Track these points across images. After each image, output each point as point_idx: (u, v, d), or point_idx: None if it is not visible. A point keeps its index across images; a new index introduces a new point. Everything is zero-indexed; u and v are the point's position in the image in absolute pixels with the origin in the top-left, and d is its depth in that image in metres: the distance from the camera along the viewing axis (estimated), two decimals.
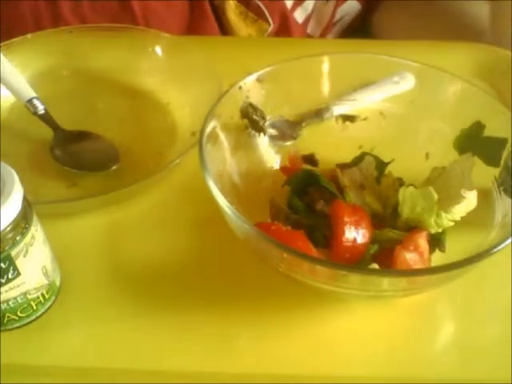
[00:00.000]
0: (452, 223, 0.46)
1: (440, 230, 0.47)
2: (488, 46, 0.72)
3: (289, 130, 0.56)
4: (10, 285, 0.42)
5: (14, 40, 0.66)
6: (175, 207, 0.54)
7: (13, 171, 0.41)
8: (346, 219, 0.46)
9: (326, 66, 0.55)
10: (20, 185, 0.41)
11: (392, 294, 0.45)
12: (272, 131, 0.55)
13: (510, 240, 0.40)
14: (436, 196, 0.46)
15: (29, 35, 0.67)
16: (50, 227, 0.45)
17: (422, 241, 0.46)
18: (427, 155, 0.53)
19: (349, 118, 0.56)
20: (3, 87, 0.63)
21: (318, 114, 0.57)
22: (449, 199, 0.46)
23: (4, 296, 0.42)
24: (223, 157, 0.51)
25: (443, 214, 0.46)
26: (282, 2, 0.83)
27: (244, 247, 0.46)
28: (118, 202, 0.53)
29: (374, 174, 0.52)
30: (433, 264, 0.46)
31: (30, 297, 0.44)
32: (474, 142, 0.50)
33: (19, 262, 0.41)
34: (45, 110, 0.61)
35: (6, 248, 0.40)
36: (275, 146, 0.55)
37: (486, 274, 0.47)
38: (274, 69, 0.53)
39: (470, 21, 0.80)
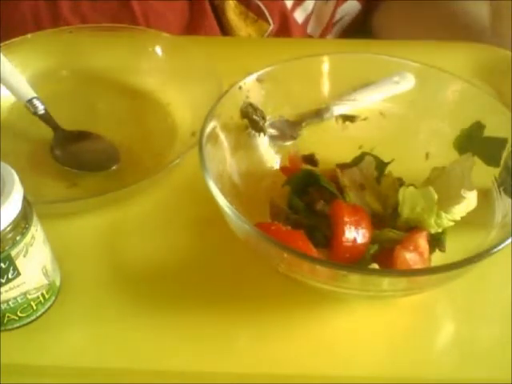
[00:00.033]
0: (452, 223, 0.46)
1: (440, 230, 0.47)
2: (488, 46, 0.72)
3: (289, 130, 0.56)
4: (10, 285, 0.42)
5: (13, 40, 0.66)
6: (175, 207, 0.54)
7: (13, 171, 0.41)
8: (346, 219, 0.46)
9: (326, 66, 0.55)
10: (20, 185, 0.41)
11: (392, 293, 0.45)
12: (272, 131, 0.55)
13: (510, 240, 0.40)
14: (436, 196, 0.46)
15: (29, 35, 0.67)
16: (49, 227, 0.45)
17: (422, 241, 0.46)
18: (427, 155, 0.53)
19: (349, 118, 0.56)
20: (3, 87, 0.63)
21: (318, 114, 0.57)
22: (449, 199, 0.46)
23: (4, 296, 0.42)
24: (223, 157, 0.51)
25: (443, 214, 0.46)
26: (282, 1, 0.83)
27: (244, 247, 0.46)
28: (117, 202, 0.53)
29: (374, 174, 0.52)
30: (433, 264, 0.46)
31: (29, 297, 0.44)
32: (474, 141, 0.50)
33: (19, 262, 0.41)
34: (45, 110, 0.61)
35: (6, 248, 0.40)
36: (275, 145, 0.55)
37: (485, 273, 0.47)
38: (273, 69, 0.53)
39: (470, 21, 0.80)
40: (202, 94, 0.58)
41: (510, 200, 0.46)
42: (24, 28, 0.73)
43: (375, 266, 0.44)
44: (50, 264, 0.45)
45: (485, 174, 0.49)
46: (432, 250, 0.47)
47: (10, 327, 0.44)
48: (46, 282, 0.44)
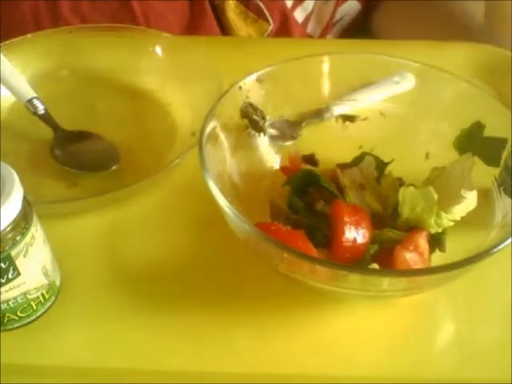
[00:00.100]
0: (452, 223, 0.46)
1: (440, 230, 0.47)
2: (488, 45, 0.72)
3: (289, 130, 0.56)
4: (10, 285, 0.42)
5: (13, 40, 0.66)
6: (175, 207, 0.54)
7: (13, 171, 0.41)
8: (346, 219, 0.46)
9: (326, 66, 0.55)
10: (20, 185, 0.41)
11: (392, 293, 0.45)
12: (272, 131, 0.55)
13: (510, 240, 0.40)
14: (436, 196, 0.46)
15: (29, 35, 0.67)
16: (49, 227, 0.45)
17: (422, 241, 0.46)
18: (427, 155, 0.53)
19: (349, 118, 0.56)
20: (3, 87, 0.63)
21: (318, 114, 0.57)
22: (449, 199, 0.46)
23: (4, 296, 0.42)
24: (223, 157, 0.51)
25: (443, 214, 0.46)
26: (282, 1, 0.83)
27: (244, 247, 0.46)
28: (117, 202, 0.53)
29: (374, 174, 0.52)
30: (433, 264, 0.46)
31: (29, 297, 0.44)
32: (474, 141, 0.50)
33: (19, 262, 0.41)
34: (45, 110, 0.61)
35: (6, 248, 0.40)
36: (275, 145, 0.55)
37: (485, 273, 0.47)
38: (274, 69, 0.53)
39: (470, 20, 0.80)
40: (202, 94, 0.58)
41: (510, 200, 0.46)
42: (24, 28, 0.73)
43: (375, 266, 0.44)
44: (50, 264, 0.45)
45: (485, 174, 0.49)
46: (432, 250, 0.47)
47: (10, 327, 0.44)
48: (45, 281, 0.44)
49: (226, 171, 0.50)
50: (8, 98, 0.63)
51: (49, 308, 0.46)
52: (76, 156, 0.58)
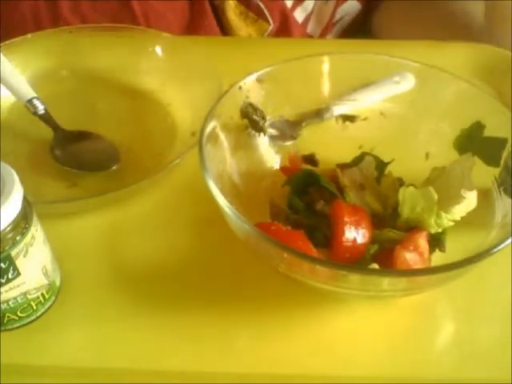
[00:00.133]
0: (452, 223, 0.46)
1: (440, 230, 0.47)
2: (488, 45, 0.72)
3: (289, 130, 0.56)
4: (10, 285, 0.42)
5: (13, 40, 0.66)
6: (175, 207, 0.54)
7: (13, 171, 0.41)
8: (346, 219, 0.46)
9: (326, 66, 0.55)
10: (20, 185, 0.41)
11: (392, 293, 0.45)
12: (272, 131, 0.55)
13: (510, 240, 0.40)
14: (436, 196, 0.46)
15: (29, 35, 0.67)
16: (49, 227, 0.45)
17: (422, 241, 0.46)
18: (427, 155, 0.53)
19: (349, 118, 0.56)
20: (3, 87, 0.63)
21: (318, 114, 0.57)
22: (449, 199, 0.46)
23: (4, 296, 0.42)
24: (223, 157, 0.51)
25: (443, 214, 0.46)
26: (282, 1, 0.83)
27: (244, 247, 0.46)
28: (118, 202, 0.53)
29: (374, 174, 0.52)
30: (433, 264, 0.46)
31: (29, 297, 0.44)
32: (474, 141, 0.50)
33: (19, 262, 0.41)
34: (45, 110, 0.61)
35: (6, 248, 0.40)
36: (275, 145, 0.55)
37: (485, 273, 0.47)
38: (273, 69, 0.53)
39: (470, 20, 0.80)
40: (202, 94, 0.58)
41: (510, 200, 0.46)
42: (24, 28, 0.73)
43: (375, 266, 0.44)
44: (50, 264, 0.45)
45: (485, 174, 0.49)
46: (432, 250, 0.47)
47: (10, 327, 0.44)
48: (46, 282, 0.44)
49: (225, 171, 0.50)
50: (8, 98, 0.63)
51: (49, 308, 0.46)
52: (76, 156, 0.58)
